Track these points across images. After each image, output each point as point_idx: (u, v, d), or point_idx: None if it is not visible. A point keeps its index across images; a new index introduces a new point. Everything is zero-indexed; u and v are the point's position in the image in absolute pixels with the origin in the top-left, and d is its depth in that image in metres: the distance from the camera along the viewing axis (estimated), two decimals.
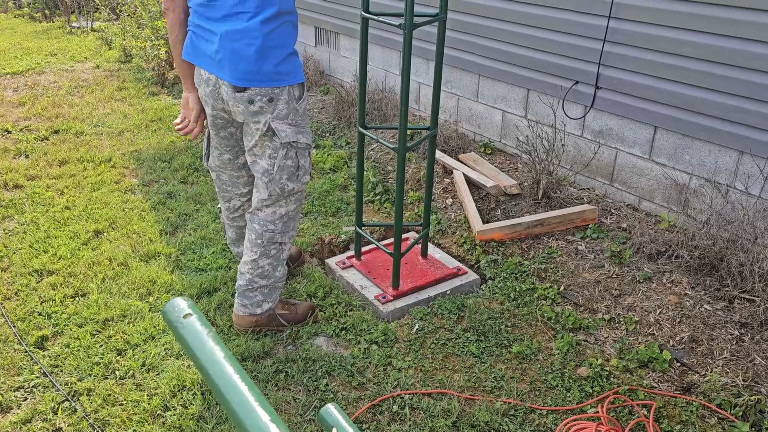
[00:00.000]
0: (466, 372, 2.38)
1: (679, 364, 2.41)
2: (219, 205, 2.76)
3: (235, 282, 2.58)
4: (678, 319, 2.60)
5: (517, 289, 2.84)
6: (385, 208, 3.65)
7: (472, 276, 2.97)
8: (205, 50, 2.26)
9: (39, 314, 2.66)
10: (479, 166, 3.79)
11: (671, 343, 2.51)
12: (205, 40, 2.25)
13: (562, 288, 2.86)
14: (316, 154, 4.24)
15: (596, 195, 3.53)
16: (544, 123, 3.73)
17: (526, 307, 2.74)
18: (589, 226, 3.21)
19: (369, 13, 2.55)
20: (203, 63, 2.28)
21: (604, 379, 2.33)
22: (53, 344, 2.50)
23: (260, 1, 2.12)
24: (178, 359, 2.42)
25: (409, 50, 2.40)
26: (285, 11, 2.17)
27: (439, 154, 3.96)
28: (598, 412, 2.17)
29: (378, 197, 3.70)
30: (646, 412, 2.17)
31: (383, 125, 2.85)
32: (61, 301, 2.74)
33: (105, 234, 3.29)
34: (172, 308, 0.72)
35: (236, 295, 2.53)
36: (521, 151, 3.77)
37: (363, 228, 3.01)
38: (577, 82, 3.47)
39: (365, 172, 3.91)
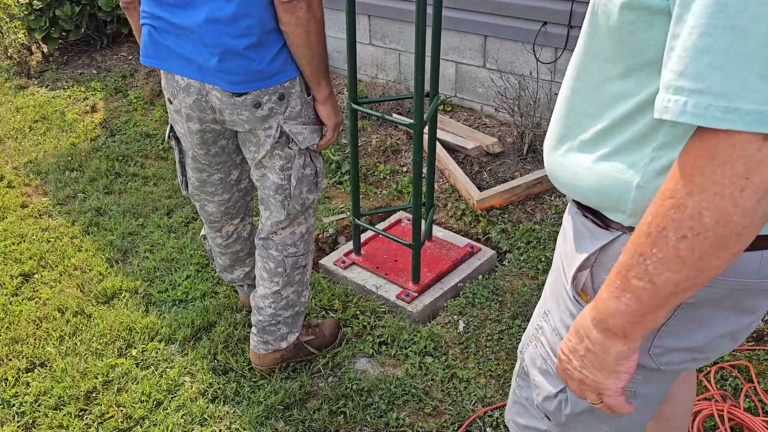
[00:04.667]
0: None
1: None
2: (203, 233, 2.21)
3: (250, 316, 2.10)
4: None
5: (543, 259, 2.61)
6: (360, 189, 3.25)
7: (487, 252, 2.70)
8: (175, 49, 1.67)
9: None
10: (447, 127, 3.47)
11: None
12: (174, 36, 1.66)
13: None
14: None
15: None
16: (507, 71, 3.47)
17: None
18: None
19: None
20: (176, 66, 1.70)
21: None
22: None
23: None
24: (203, 425, 1.94)
25: (425, 9, 2.01)
26: None
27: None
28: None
29: (347, 178, 3.28)
30: (739, 374, 2.05)
31: (378, 98, 2.44)
32: (16, 380, 2.12)
33: (36, 276, 2.62)
34: None
35: (254, 331, 2.07)
36: (499, 105, 3.48)
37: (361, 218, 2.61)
38: (545, 23, 3.22)
39: (324, 150, 3.46)
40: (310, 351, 2.16)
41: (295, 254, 1.96)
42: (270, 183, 1.84)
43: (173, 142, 1.94)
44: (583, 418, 1.11)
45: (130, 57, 4.97)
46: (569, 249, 1.03)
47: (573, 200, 1.02)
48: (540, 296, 2.40)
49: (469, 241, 2.75)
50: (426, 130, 2.46)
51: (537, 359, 1.14)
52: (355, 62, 2.27)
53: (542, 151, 3.20)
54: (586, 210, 0.98)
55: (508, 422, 1.30)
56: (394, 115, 3.64)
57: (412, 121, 2.22)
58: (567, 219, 1.07)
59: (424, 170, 2.53)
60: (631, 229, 0.91)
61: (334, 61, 4.33)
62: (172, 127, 1.91)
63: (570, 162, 0.97)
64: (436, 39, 2.33)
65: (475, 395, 2.02)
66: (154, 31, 1.69)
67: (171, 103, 1.80)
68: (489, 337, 2.25)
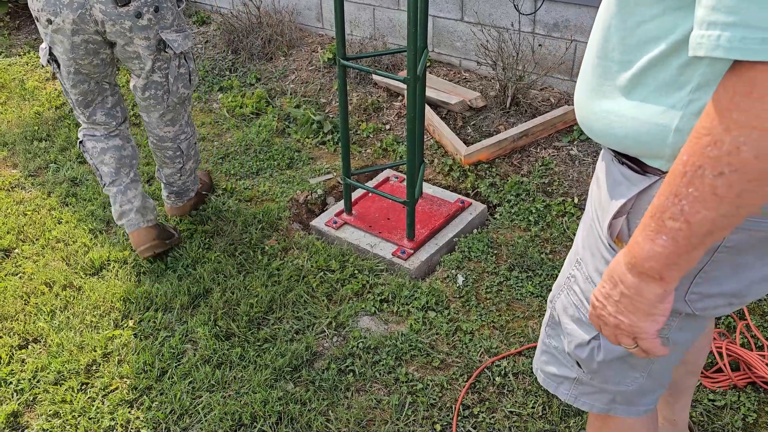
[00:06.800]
0: (540, 315, 2.16)
1: None
2: (79, 139, 2.37)
3: (162, 188, 2.57)
4: None
5: (533, 211, 2.63)
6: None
7: (478, 206, 2.70)
8: None
9: None
10: (429, 83, 3.43)
11: None
12: None
13: (576, 200, 2.70)
14: (229, 99, 3.59)
15: (558, 92, 3.36)
16: (487, 24, 3.43)
17: (552, 228, 2.55)
18: (575, 127, 3.05)
19: None
20: None
21: None
22: (33, 418, 1.87)
23: None
24: (212, 392, 1.92)
25: None
26: None
27: (378, 78, 3.52)
28: None
29: (330, 137, 3.23)
30: (733, 312, 2.12)
31: (371, 53, 2.38)
32: (10, 357, 2.05)
33: (17, 251, 2.52)
34: None
35: (167, 194, 2.54)
36: (481, 59, 3.45)
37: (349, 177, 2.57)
38: None
39: (303, 110, 3.38)
40: (203, 195, 2.75)
41: (187, 138, 2.41)
42: (151, 83, 2.18)
43: (53, 66, 2.14)
44: (615, 365, 1.12)
45: None
46: (604, 196, 1.02)
47: (609, 148, 1.01)
48: (534, 247, 2.44)
49: (459, 196, 2.75)
50: None
51: (569, 307, 1.14)
52: (343, 17, 2.20)
53: (525, 103, 3.20)
54: (623, 157, 0.97)
55: (536, 371, 1.31)
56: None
57: (405, 77, 2.17)
58: (600, 166, 1.06)
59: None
60: None
61: (304, 18, 4.21)
62: (50, 50, 2.10)
63: (604, 110, 0.95)
64: None
65: (480, 346, 2.04)
66: None
67: (51, 23, 1.99)
68: (488, 290, 2.27)
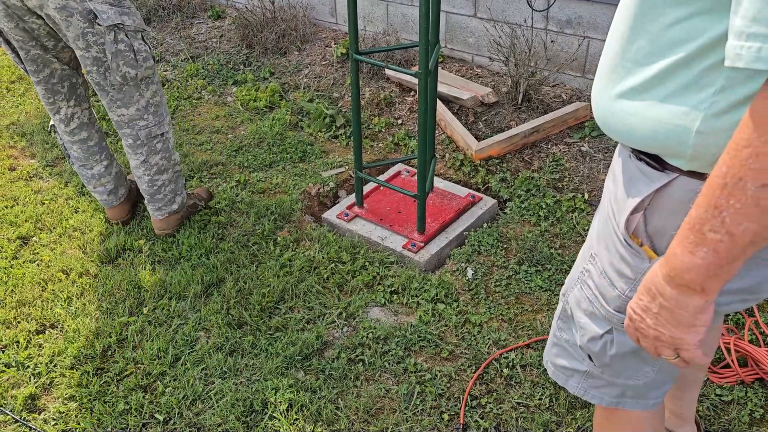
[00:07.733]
0: (548, 309, 2.18)
1: None
2: (51, 122, 2.42)
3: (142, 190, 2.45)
4: None
5: (543, 206, 2.65)
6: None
7: (489, 201, 2.72)
8: None
9: (6, 366, 2.02)
10: (441, 78, 3.45)
11: None
12: None
13: (586, 195, 2.71)
14: (243, 92, 3.62)
15: (570, 89, 3.37)
16: (500, 20, 3.44)
17: (561, 223, 2.56)
18: (586, 124, 3.06)
19: None
20: None
21: None
22: (50, 401, 1.91)
23: None
24: (224, 379, 1.96)
25: None
26: None
27: (390, 73, 3.54)
28: None
29: (342, 131, 3.25)
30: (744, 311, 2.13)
31: (383, 48, 2.40)
32: (28, 341, 2.10)
33: (35, 239, 2.57)
34: None
35: (146, 201, 2.44)
36: (493, 55, 3.46)
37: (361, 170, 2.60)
38: None
39: (316, 104, 3.41)
40: (198, 205, 2.63)
41: (146, 126, 2.28)
42: (90, 59, 2.07)
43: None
44: (627, 359, 1.13)
45: None
46: (620, 192, 1.02)
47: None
48: (544, 242, 2.46)
49: (470, 190, 2.77)
50: None
51: (582, 301, 1.15)
52: (356, 13, 2.22)
53: (537, 99, 3.21)
54: (641, 153, 0.97)
55: (546, 364, 1.32)
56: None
57: (416, 71, 2.19)
58: (617, 162, 1.06)
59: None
60: (690, 173, 0.90)
61: (317, 13, 4.23)
62: None
63: (623, 110, 0.95)
64: None
65: (489, 338, 2.06)
66: None
67: None
68: (497, 283, 2.29)
